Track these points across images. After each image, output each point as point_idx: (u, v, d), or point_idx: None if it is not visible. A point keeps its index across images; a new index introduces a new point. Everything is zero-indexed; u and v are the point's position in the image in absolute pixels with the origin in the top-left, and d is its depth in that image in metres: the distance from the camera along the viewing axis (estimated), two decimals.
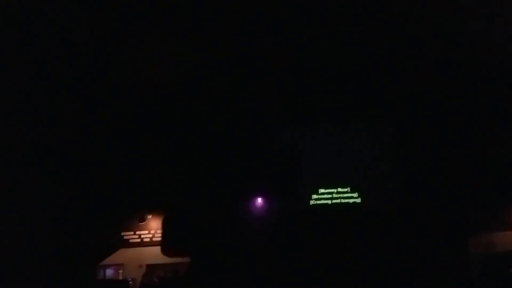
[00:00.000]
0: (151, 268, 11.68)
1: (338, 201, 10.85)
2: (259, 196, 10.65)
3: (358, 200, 10.82)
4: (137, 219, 11.54)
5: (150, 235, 11.60)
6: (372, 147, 11.10)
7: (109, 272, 11.48)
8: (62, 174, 10.04)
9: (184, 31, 8.94)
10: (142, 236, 11.59)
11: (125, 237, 11.53)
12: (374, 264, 9.15)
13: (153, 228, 11.62)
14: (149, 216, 11.61)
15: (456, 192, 9.91)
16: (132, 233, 11.57)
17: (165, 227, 10.64)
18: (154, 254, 11.75)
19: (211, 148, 10.06)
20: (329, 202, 10.91)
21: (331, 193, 11.02)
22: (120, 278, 11.51)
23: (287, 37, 9.13)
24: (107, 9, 8.37)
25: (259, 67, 9.49)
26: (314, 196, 11.06)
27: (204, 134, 10.14)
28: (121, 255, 11.60)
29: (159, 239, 11.52)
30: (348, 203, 10.73)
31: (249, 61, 9.49)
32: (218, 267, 9.52)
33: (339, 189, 10.92)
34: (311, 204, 10.96)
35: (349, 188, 10.89)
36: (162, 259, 11.64)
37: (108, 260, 11.36)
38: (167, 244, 10.42)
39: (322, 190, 11.01)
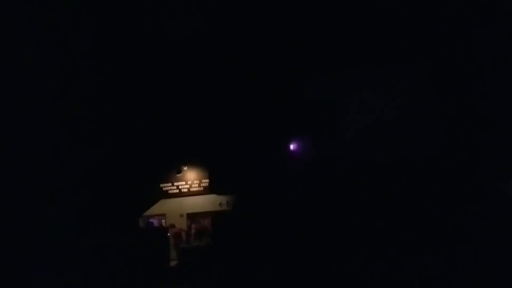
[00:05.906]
0: (191, 216, 12.24)
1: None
2: (295, 141, 10.57)
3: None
4: (174, 171, 11.93)
5: (188, 186, 11.99)
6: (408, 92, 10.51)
7: (153, 222, 12.11)
8: (103, 135, 10.37)
9: None
10: (180, 187, 12.01)
11: (164, 189, 12.00)
12: (412, 214, 9.03)
13: (190, 179, 11.99)
14: (185, 168, 11.94)
15: (496, 138, 9.40)
16: (170, 184, 12.01)
17: (210, 170, 10.79)
18: (194, 204, 12.27)
19: (247, 100, 9.92)
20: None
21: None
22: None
23: None
24: None
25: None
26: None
27: (239, 85, 9.97)
28: (163, 206, 12.17)
29: (196, 189, 11.92)
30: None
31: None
32: (260, 205, 9.71)
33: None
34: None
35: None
36: (201, 208, 12.16)
37: (151, 211, 11.97)
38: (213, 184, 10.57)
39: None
